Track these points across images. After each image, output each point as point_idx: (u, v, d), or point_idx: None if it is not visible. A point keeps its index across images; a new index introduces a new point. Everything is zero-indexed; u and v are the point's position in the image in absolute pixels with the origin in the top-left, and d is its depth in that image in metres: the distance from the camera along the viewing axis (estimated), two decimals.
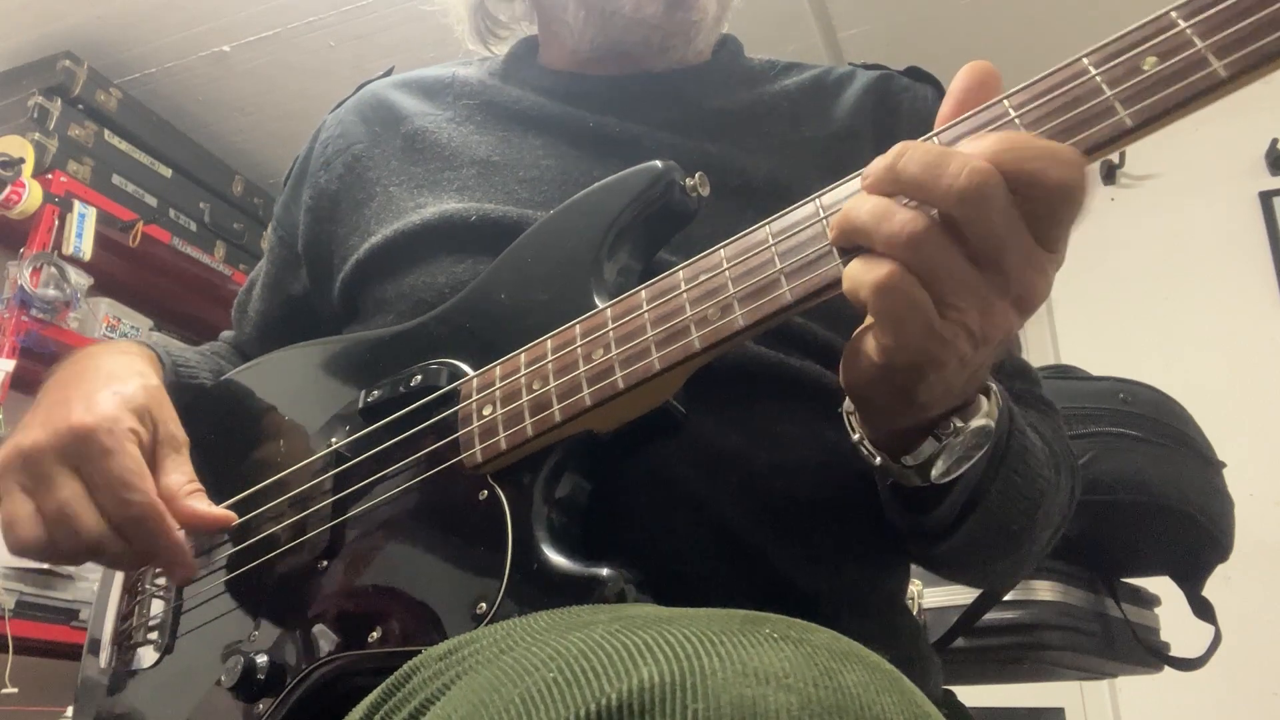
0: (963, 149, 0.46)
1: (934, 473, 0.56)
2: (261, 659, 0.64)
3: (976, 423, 0.55)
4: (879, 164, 0.48)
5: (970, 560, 0.73)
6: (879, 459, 0.58)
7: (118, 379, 0.70)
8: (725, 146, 0.79)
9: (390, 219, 0.80)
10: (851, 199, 0.50)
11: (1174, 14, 0.46)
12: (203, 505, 0.66)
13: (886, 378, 0.51)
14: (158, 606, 0.76)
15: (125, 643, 0.78)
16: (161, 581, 0.77)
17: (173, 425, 0.69)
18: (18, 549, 0.64)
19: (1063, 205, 0.45)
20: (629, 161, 0.77)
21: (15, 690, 2.18)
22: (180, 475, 0.67)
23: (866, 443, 0.58)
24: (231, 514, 0.68)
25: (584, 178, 0.77)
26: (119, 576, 0.83)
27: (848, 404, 0.59)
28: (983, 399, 0.56)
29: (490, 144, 0.83)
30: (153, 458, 0.67)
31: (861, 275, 0.47)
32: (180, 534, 0.64)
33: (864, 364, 0.51)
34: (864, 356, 0.51)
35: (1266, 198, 2.72)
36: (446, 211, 0.77)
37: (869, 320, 0.50)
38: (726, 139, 0.80)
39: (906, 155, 0.47)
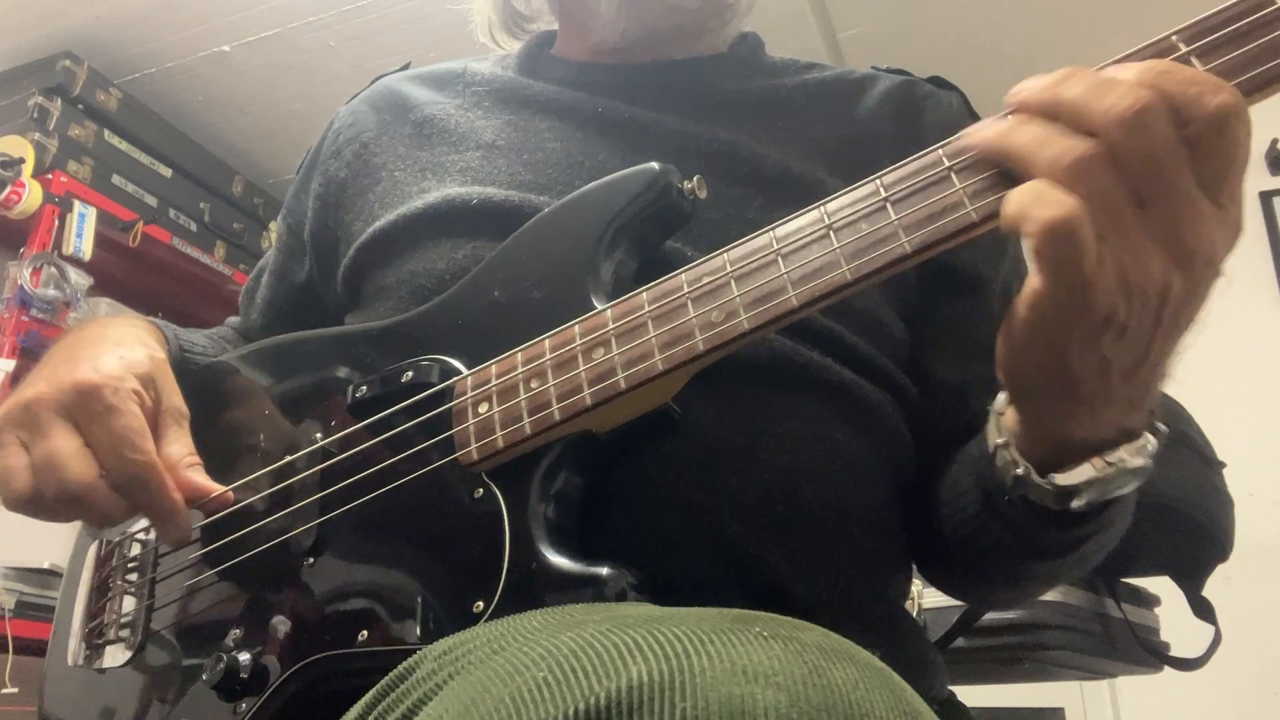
0: (1113, 73, 0.45)
1: (1075, 502, 0.54)
2: (244, 657, 0.63)
3: (1137, 461, 0.53)
4: (1036, 84, 0.47)
5: (1038, 584, 0.71)
6: (1021, 468, 0.56)
7: (124, 345, 0.70)
8: (735, 134, 0.78)
9: (394, 203, 0.80)
10: (998, 124, 0.47)
11: None
12: (201, 479, 0.67)
13: (1042, 336, 0.48)
14: (129, 604, 0.75)
15: (95, 640, 0.77)
16: (133, 578, 0.76)
17: (175, 397, 0.70)
18: (7, 500, 0.65)
19: (1219, 139, 0.43)
20: (635, 146, 0.76)
21: (15, 690, 2.18)
22: (181, 447, 0.67)
23: (1013, 449, 0.56)
24: (229, 493, 0.69)
25: (588, 161, 0.76)
26: (87, 573, 0.81)
27: (998, 403, 0.58)
28: (1149, 436, 0.53)
29: (496, 128, 0.82)
30: (155, 427, 0.67)
31: (1032, 208, 0.44)
32: (178, 495, 0.65)
33: (1015, 324, 0.49)
34: (1018, 316, 0.49)
35: (1266, 198, 2.72)
36: (449, 195, 0.76)
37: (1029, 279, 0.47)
38: (737, 127, 0.79)
39: (1072, 78, 0.46)
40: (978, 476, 0.64)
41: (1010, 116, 0.48)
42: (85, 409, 0.64)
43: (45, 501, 0.64)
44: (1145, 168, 0.44)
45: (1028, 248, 0.46)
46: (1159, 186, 0.44)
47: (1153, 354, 0.49)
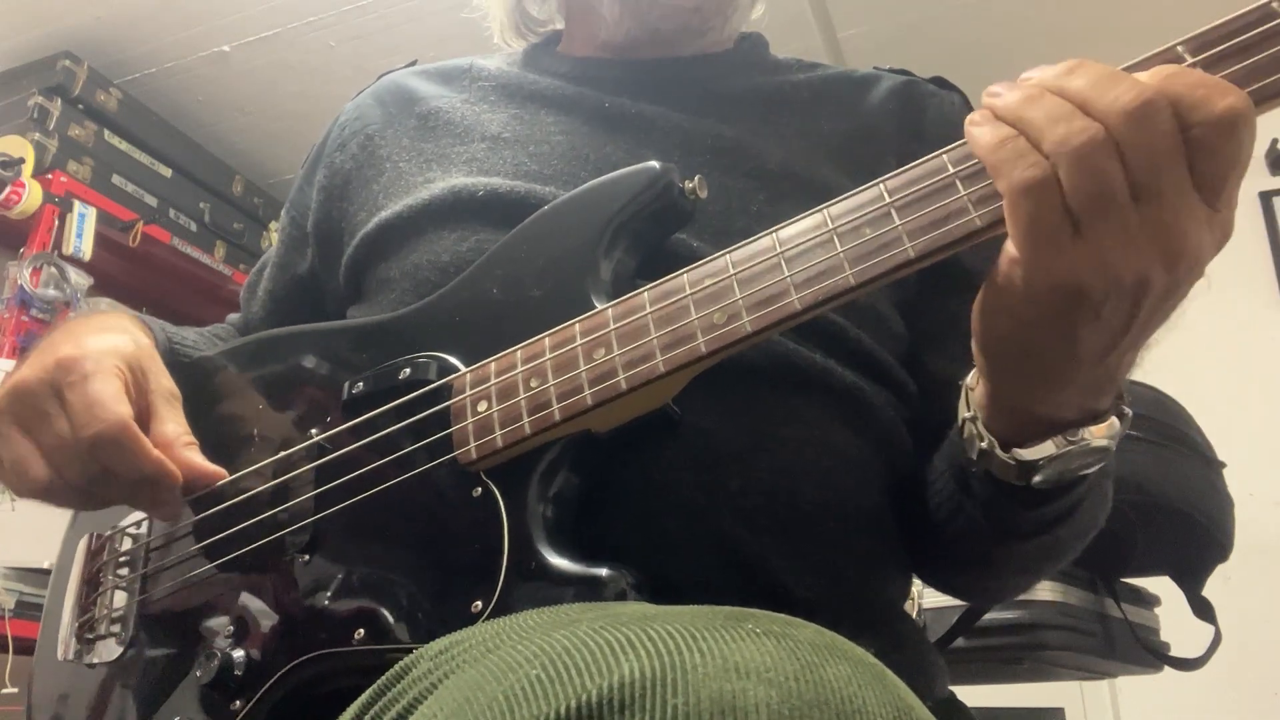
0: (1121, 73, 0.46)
1: (1036, 477, 0.56)
2: (238, 654, 0.63)
3: (1099, 442, 0.54)
4: (1045, 71, 0.47)
5: (1014, 572, 0.72)
6: (985, 441, 0.57)
7: (110, 331, 0.70)
8: (740, 131, 0.78)
9: (399, 195, 0.80)
10: (1012, 94, 0.48)
11: None
12: (197, 457, 0.67)
13: (1014, 306, 0.49)
14: (120, 599, 0.75)
15: (85, 635, 0.76)
16: (124, 573, 0.76)
17: (165, 378, 0.69)
18: (26, 491, 0.64)
19: (1224, 142, 0.44)
20: (640, 141, 0.77)
21: (15, 690, 2.18)
22: (175, 425, 0.67)
23: (979, 423, 0.57)
24: (223, 470, 0.68)
25: (594, 154, 0.77)
26: (77, 567, 0.81)
27: (970, 378, 0.59)
28: (1114, 419, 0.54)
29: (502, 121, 0.83)
30: (147, 407, 0.67)
31: (1012, 169, 0.46)
32: (158, 453, 0.64)
33: (986, 292, 0.51)
34: (993, 283, 0.50)
35: (1266, 198, 2.71)
36: (454, 186, 0.76)
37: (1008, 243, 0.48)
38: (741, 123, 0.79)
39: (1079, 68, 0.46)
40: (951, 456, 0.66)
41: (1018, 94, 0.48)
42: (65, 382, 0.63)
43: (68, 484, 0.63)
44: (1145, 162, 0.44)
45: (1006, 205, 0.47)
46: (1155, 183, 0.44)
47: (1123, 343, 0.50)
